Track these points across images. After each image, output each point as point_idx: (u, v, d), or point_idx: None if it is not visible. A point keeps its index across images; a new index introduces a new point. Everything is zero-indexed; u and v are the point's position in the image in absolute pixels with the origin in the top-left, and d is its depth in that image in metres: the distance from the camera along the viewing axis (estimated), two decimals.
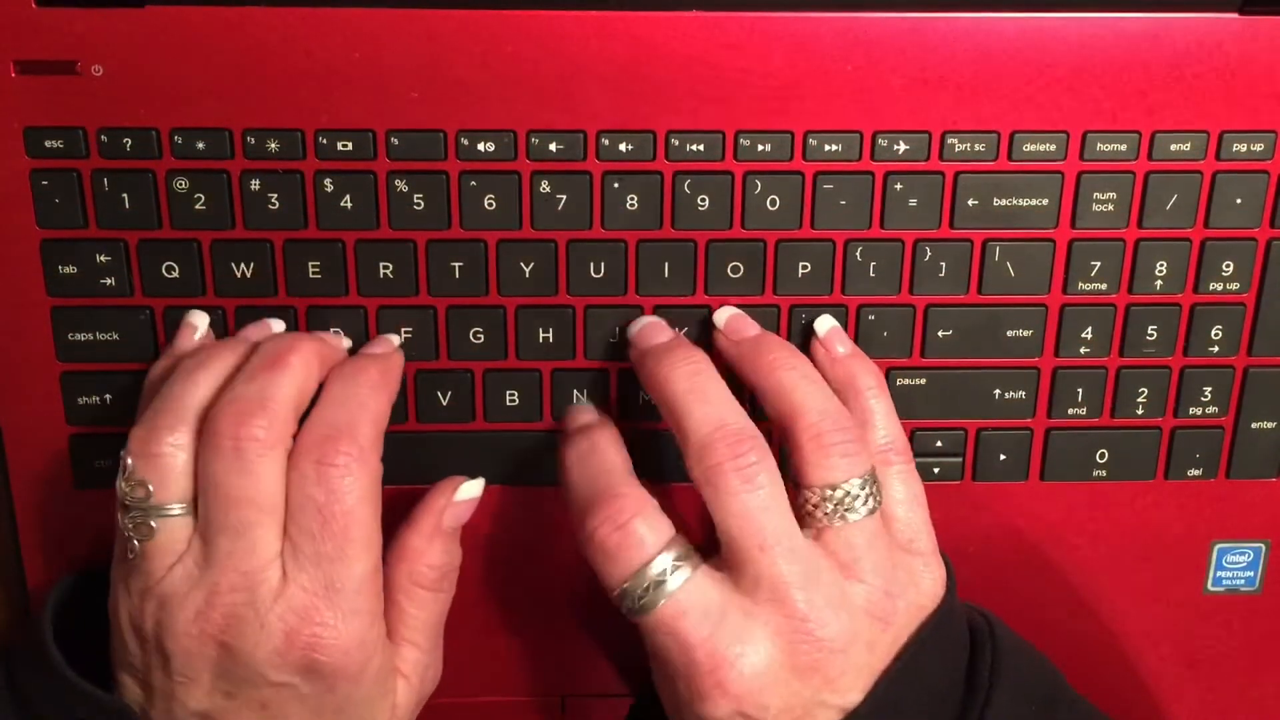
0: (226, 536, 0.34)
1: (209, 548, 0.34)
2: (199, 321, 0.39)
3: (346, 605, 0.34)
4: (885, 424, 0.38)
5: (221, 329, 0.40)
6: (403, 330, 0.40)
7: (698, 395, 0.36)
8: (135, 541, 0.34)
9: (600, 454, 0.37)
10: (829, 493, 0.35)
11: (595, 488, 0.36)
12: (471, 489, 0.39)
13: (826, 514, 0.35)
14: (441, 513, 0.38)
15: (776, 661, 0.34)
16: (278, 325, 0.39)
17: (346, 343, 0.39)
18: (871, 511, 0.35)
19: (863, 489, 0.35)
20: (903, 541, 0.37)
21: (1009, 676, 0.36)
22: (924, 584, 0.37)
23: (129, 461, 0.34)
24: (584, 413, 0.40)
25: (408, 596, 0.37)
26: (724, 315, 0.40)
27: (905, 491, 0.37)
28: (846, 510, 0.35)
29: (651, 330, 0.39)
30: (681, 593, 0.34)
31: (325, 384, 0.36)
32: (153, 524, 0.34)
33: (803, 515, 0.35)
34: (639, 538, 0.34)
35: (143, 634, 0.35)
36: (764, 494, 0.34)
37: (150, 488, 0.34)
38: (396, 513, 0.38)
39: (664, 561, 0.34)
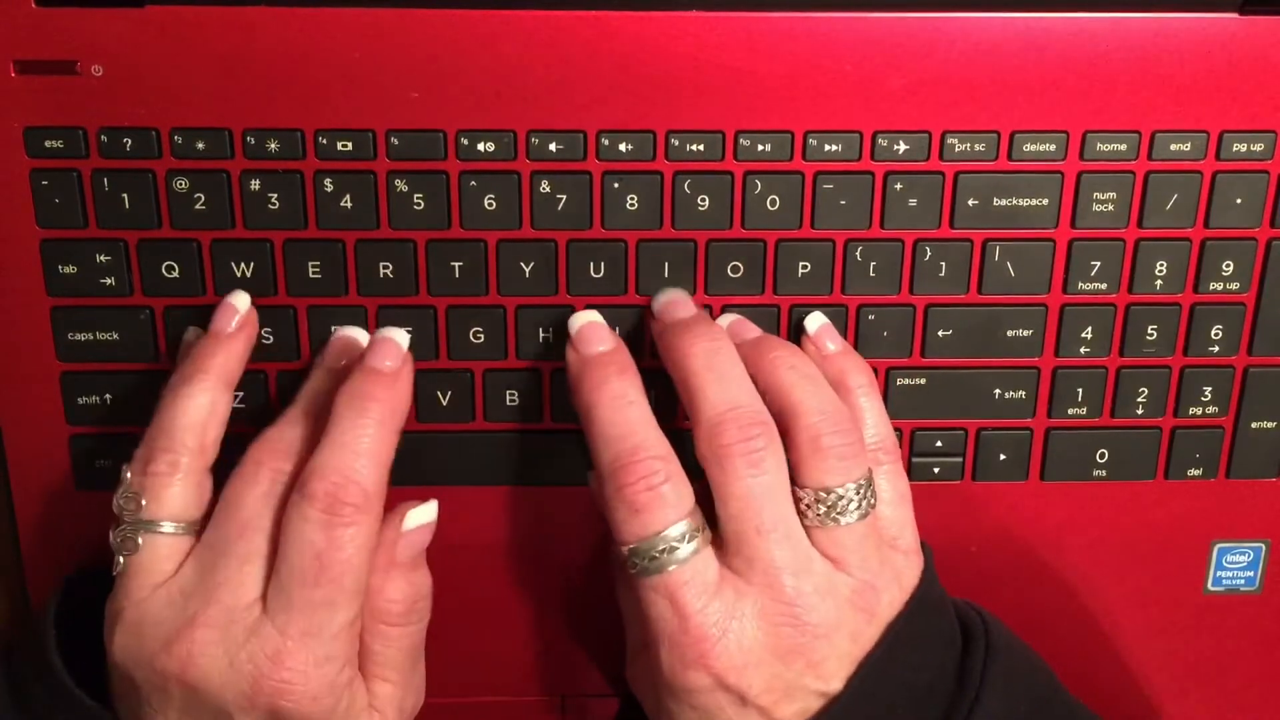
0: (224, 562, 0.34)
1: (205, 577, 0.34)
2: (240, 303, 0.39)
3: (321, 651, 0.34)
4: (875, 423, 0.38)
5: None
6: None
7: (714, 374, 0.36)
8: (120, 556, 0.34)
9: (635, 406, 0.36)
10: (822, 494, 0.35)
11: (631, 442, 0.35)
12: (419, 515, 0.37)
13: (819, 515, 0.35)
14: (394, 545, 0.36)
15: (760, 643, 0.34)
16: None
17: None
18: (864, 515, 0.35)
19: (857, 493, 0.35)
20: (888, 538, 0.37)
21: (1001, 675, 0.36)
22: (906, 579, 0.37)
23: (127, 475, 0.35)
24: (600, 334, 0.38)
25: (372, 635, 0.36)
26: (726, 321, 0.40)
27: (892, 491, 0.38)
28: (839, 513, 0.35)
29: (675, 305, 0.39)
30: (689, 563, 0.34)
31: (334, 409, 0.35)
32: (139, 539, 0.34)
33: (797, 512, 0.35)
34: (665, 501, 0.34)
35: (114, 659, 0.35)
36: (767, 479, 0.34)
37: (142, 501, 0.34)
38: None
39: (680, 529, 0.34)
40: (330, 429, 0.35)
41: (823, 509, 0.35)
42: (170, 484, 0.34)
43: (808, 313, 0.40)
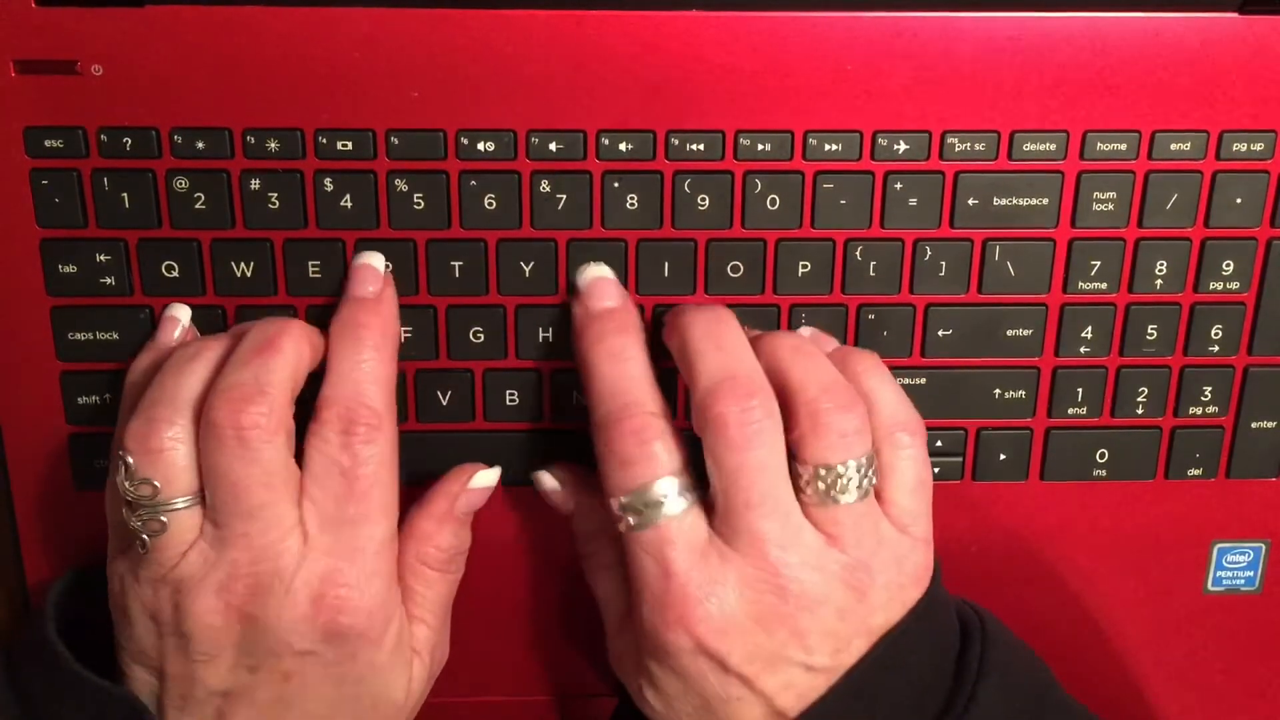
0: (240, 520, 0.34)
1: (223, 530, 0.34)
2: (181, 315, 0.39)
3: (368, 566, 0.35)
4: (892, 401, 0.37)
5: (221, 328, 0.40)
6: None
7: (713, 342, 0.36)
8: (145, 537, 0.34)
9: (632, 361, 0.36)
10: (822, 472, 0.35)
11: (626, 398, 0.35)
12: (487, 478, 0.39)
13: (818, 492, 0.35)
14: (455, 498, 0.38)
15: (742, 610, 0.34)
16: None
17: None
18: (864, 495, 0.35)
19: (858, 472, 0.35)
20: (899, 524, 0.37)
21: (998, 670, 0.36)
22: (907, 566, 0.36)
23: (130, 460, 0.34)
24: (607, 290, 0.38)
25: (415, 576, 0.38)
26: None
27: (913, 476, 0.37)
28: (839, 492, 0.35)
29: (684, 304, 0.39)
30: (676, 520, 0.34)
31: (330, 340, 0.37)
32: (163, 519, 0.34)
33: (794, 489, 0.35)
34: (655, 456, 0.35)
35: (159, 619, 0.35)
36: (762, 454, 0.34)
37: (156, 484, 0.34)
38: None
39: (669, 485, 0.35)
40: (330, 361, 0.36)
41: (821, 486, 0.35)
42: (177, 460, 0.34)
43: (807, 313, 0.40)
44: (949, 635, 0.37)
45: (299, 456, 0.35)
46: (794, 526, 0.35)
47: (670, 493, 0.35)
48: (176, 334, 0.39)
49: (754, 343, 0.37)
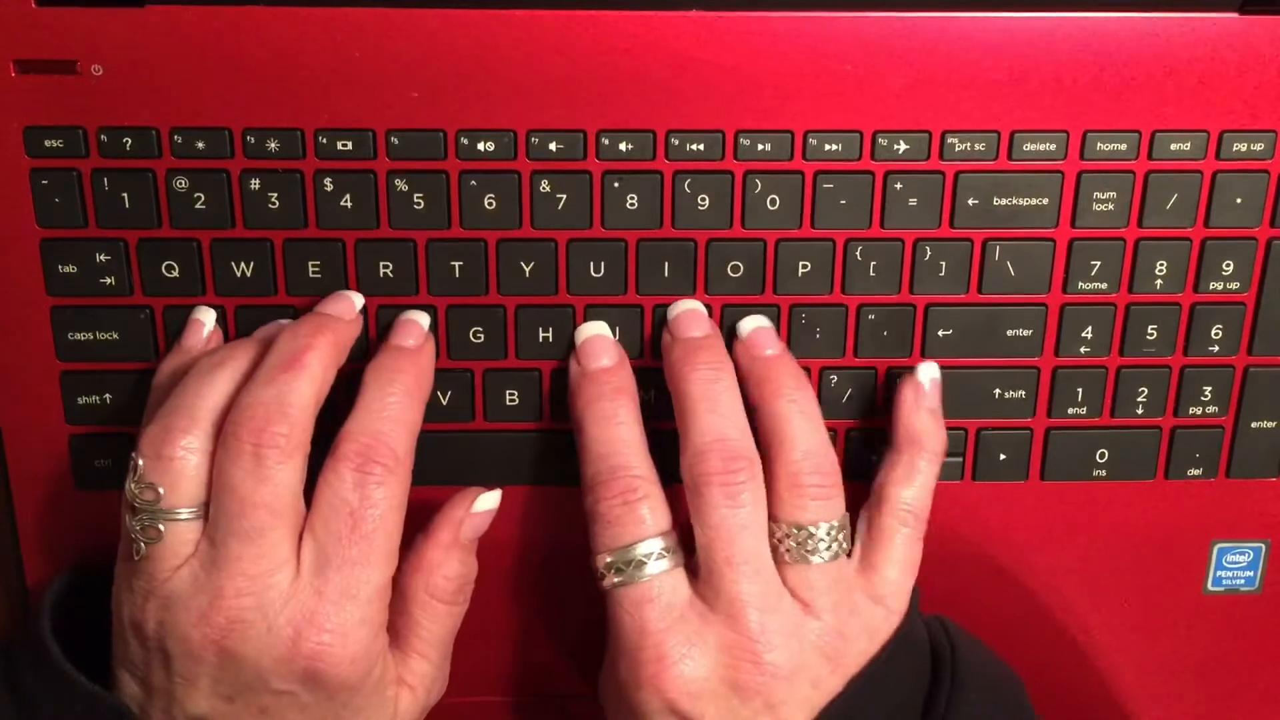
0: (237, 540, 0.34)
1: (218, 550, 0.34)
2: (206, 318, 0.39)
3: (358, 613, 0.34)
4: (919, 486, 0.38)
5: (222, 328, 0.40)
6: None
7: (709, 402, 0.36)
8: (141, 544, 0.34)
9: (625, 426, 0.37)
10: (794, 531, 0.35)
11: (616, 460, 0.36)
12: (489, 500, 0.38)
13: (790, 550, 0.35)
14: (460, 524, 0.37)
15: (717, 675, 0.34)
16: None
17: (359, 302, 0.39)
18: (835, 556, 0.36)
19: (829, 534, 0.36)
20: (877, 594, 0.37)
21: (964, 712, 0.36)
22: (880, 634, 0.37)
23: (140, 463, 0.34)
24: (603, 349, 0.39)
25: (422, 609, 0.37)
26: (749, 325, 0.39)
27: (905, 556, 0.38)
28: (809, 552, 0.35)
29: (689, 320, 0.39)
30: (656, 580, 0.35)
31: (363, 382, 0.37)
32: (160, 527, 0.34)
33: (770, 547, 0.36)
34: (640, 518, 0.35)
35: (144, 634, 0.35)
36: (744, 513, 0.35)
37: (160, 490, 0.34)
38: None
39: (652, 546, 0.35)
40: (359, 399, 0.36)
41: (793, 544, 0.35)
42: (186, 470, 0.34)
43: (807, 313, 0.40)
44: (919, 671, 0.37)
45: (310, 488, 0.35)
46: (774, 592, 0.35)
47: (653, 553, 0.35)
48: (204, 335, 0.39)
49: (760, 370, 0.37)
